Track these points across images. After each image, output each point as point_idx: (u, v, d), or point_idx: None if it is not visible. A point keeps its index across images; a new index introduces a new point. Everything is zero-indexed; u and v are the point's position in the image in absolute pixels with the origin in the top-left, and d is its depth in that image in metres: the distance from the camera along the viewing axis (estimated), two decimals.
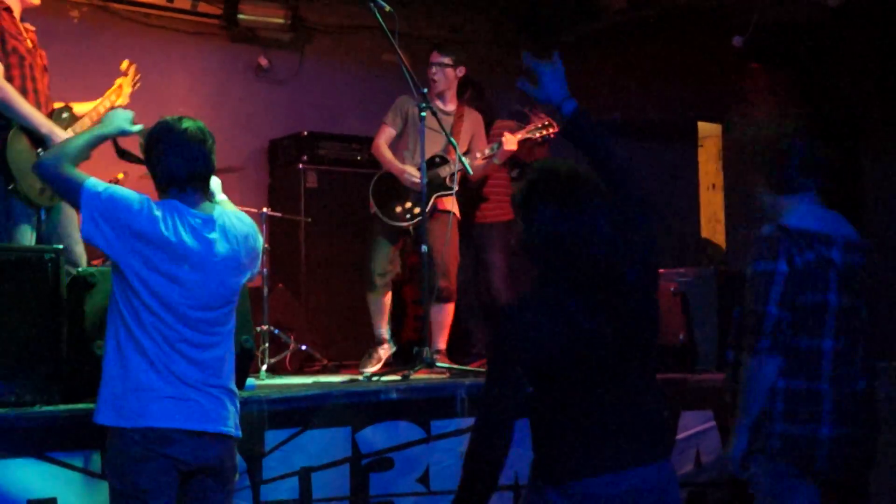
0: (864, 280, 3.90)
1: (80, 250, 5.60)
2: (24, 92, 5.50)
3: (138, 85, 6.01)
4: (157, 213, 3.92)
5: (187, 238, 3.94)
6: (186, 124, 4.06)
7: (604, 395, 3.45)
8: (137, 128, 4.39)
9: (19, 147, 5.42)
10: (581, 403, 3.46)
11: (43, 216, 5.56)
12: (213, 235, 4.02)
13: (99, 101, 5.85)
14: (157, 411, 3.91)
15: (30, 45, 5.67)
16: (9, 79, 5.44)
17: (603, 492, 3.41)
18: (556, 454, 3.47)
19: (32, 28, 5.81)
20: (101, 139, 4.30)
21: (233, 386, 4.17)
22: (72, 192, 3.96)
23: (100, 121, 4.38)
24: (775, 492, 3.87)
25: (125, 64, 6.09)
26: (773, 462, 3.86)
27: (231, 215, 4.17)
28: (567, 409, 3.47)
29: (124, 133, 4.40)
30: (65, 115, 5.71)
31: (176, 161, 4.00)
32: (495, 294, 7.69)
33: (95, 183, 3.94)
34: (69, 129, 5.59)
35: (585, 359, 3.42)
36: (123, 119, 4.38)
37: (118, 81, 5.99)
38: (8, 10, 5.61)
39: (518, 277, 7.86)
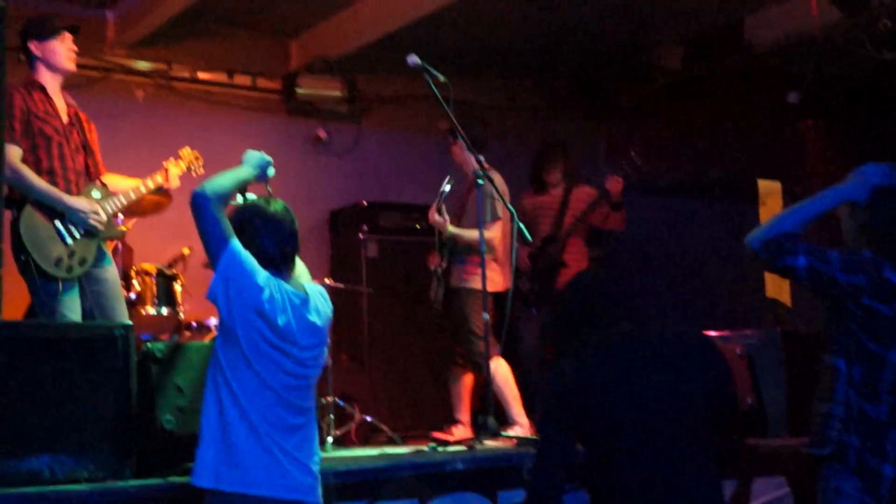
0: None
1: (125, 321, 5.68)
2: (50, 171, 5.59)
3: (201, 171, 6.09)
4: (276, 293, 4.01)
5: (292, 317, 4.04)
6: (275, 206, 4.19)
7: (650, 473, 3.45)
8: (272, 172, 4.50)
9: (33, 221, 5.50)
10: (628, 481, 3.47)
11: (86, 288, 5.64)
12: (311, 317, 4.13)
13: (140, 181, 5.95)
14: (258, 479, 3.96)
15: (65, 120, 5.74)
16: (36, 160, 5.56)
17: None
18: None
19: (73, 103, 5.89)
20: (245, 183, 4.38)
21: (318, 458, 4.23)
22: (215, 242, 4.02)
23: (244, 161, 4.43)
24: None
25: (186, 150, 6.19)
26: (845, 475, 3.85)
27: (318, 294, 4.25)
28: (617, 487, 3.48)
29: (264, 178, 4.49)
30: (95, 191, 5.77)
31: (270, 242, 4.11)
32: None
33: (238, 246, 4.02)
34: (99, 203, 5.68)
35: (625, 427, 3.45)
36: (266, 164, 4.48)
37: (166, 164, 6.10)
38: (42, 88, 5.70)
39: None
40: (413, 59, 6.28)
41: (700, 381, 3.67)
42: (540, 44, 9.36)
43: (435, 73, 6.29)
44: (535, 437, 6.57)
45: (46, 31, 5.77)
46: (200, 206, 4.06)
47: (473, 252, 6.90)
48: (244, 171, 4.38)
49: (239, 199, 4.47)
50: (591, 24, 9.01)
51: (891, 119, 8.86)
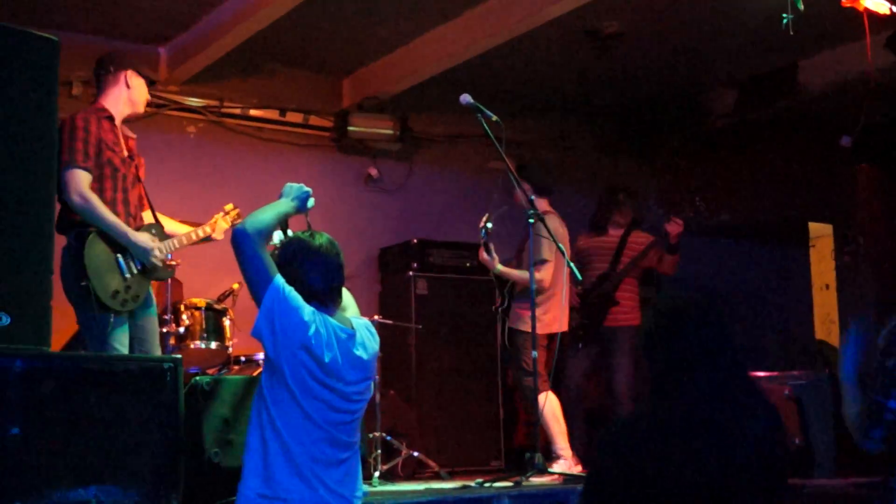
0: None
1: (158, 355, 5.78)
2: (113, 202, 5.60)
3: (237, 222, 6.13)
4: (321, 329, 4.01)
5: (338, 353, 4.04)
6: (320, 240, 4.19)
7: None
8: (312, 203, 4.48)
9: (97, 250, 5.50)
10: None
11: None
12: (357, 351, 4.13)
13: (192, 229, 6.01)
14: None
15: (126, 154, 5.77)
16: (101, 189, 5.56)
17: None
18: None
19: (133, 136, 5.92)
20: (286, 216, 4.37)
21: (360, 493, 4.23)
22: (258, 279, 4.03)
23: (283, 194, 4.40)
24: None
25: (230, 206, 6.25)
26: None
27: (364, 329, 4.25)
28: None
29: (304, 209, 4.46)
30: (154, 231, 5.80)
31: (316, 276, 4.12)
32: (618, 397, 7.64)
33: (282, 281, 4.02)
34: (157, 242, 5.71)
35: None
36: (306, 196, 4.45)
37: (216, 217, 6.16)
38: (110, 118, 5.72)
39: (642, 383, 7.82)
40: (466, 98, 6.29)
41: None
42: (592, 84, 9.38)
43: (487, 112, 6.30)
44: (580, 472, 6.55)
45: (144, 70, 5.91)
46: (241, 243, 4.07)
47: (528, 294, 6.86)
48: (284, 205, 4.37)
49: (278, 235, 4.48)
50: (645, 66, 9.03)
51: None
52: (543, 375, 6.89)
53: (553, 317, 7.11)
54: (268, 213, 4.24)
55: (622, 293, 7.79)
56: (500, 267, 7.14)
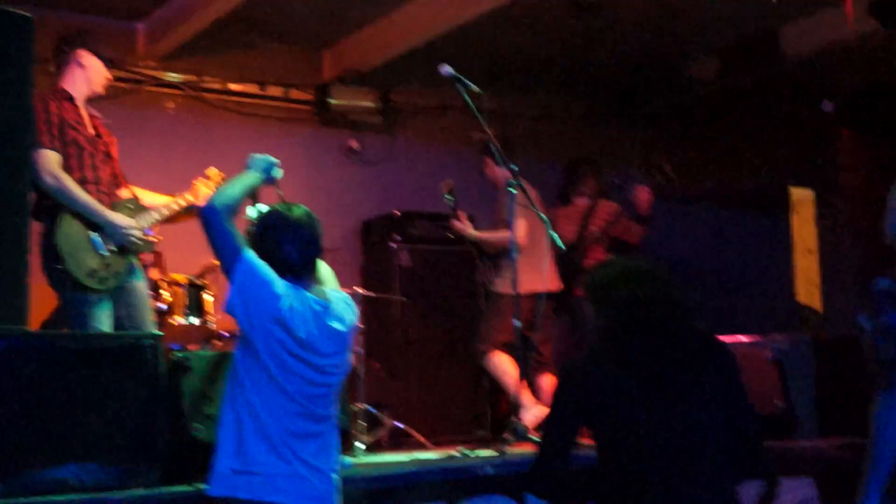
0: None
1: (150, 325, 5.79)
2: (82, 181, 5.58)
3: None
4: (295, 302, 3.99)
5: (312, 325, 4.02)
6: (296, 212, 4.16)
7: (662, 476, 3.43)
8: (279, 173, 4.47)
9: (70, 230, 5.49)
10: (643, 484, 3.45)
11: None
12: (332, 323, 4.11)
13: (171, 199, 5.96)
14: (274, 486, 3.94)
15: (92, 132, 5.75)
16: (67, 168, 5.53)
17: None
18: None
19: (98, 115, 5.91)
20: (253, 188, 4.36)
21: (337, 465, 4.22)
22: (228, 254, 4.01)
23: (249, 165, 4.39)
24: None
25: (214, 171, 6.22)
26: None
27: (341, 301, 4.23)
28: (632, 489, 3.47)
29: (272, 180, 4.46)
30: (131, 205, 5.79)
31: (291, 249, 4.09)
32: None
33: (253, 256, 4.01)
34: (132, 218, 5.70)
35: (635, 436, 3.44)
36: (272, 166, 4.44)
37: (197, 184, 6.12)
38: (70, 99, 5.70)
39: None
40: (446, 69, 6.28)
41: (719, 389, 3.63)
42: (576, 54, 9.36)
43: (468, 83, 6.29)
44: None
45: (99, 49, 5.85)
46: (210, 220, 4.06)
47: (501, 256, 7.13)
48: (250, 177, 4.36)
49: (255, 210, 4.46)
50: (628, 35, 9.01)
51: None
52: (503, 338, 7.17)
53: (537, 272, 7.12)
54: (234, 188, 4.22)
55: (590, 262, 7.76)
56: (474, 232, 7.38)
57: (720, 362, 3.60)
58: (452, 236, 7.82)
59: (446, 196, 7.51)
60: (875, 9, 7.93)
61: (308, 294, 4.09)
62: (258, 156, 4.46)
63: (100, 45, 5.87)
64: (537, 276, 7.13)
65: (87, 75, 5.80)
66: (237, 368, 4.04)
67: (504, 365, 7.27)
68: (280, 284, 3.99)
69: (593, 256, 7.83)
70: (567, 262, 7.57)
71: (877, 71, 8.32)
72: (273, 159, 4.47)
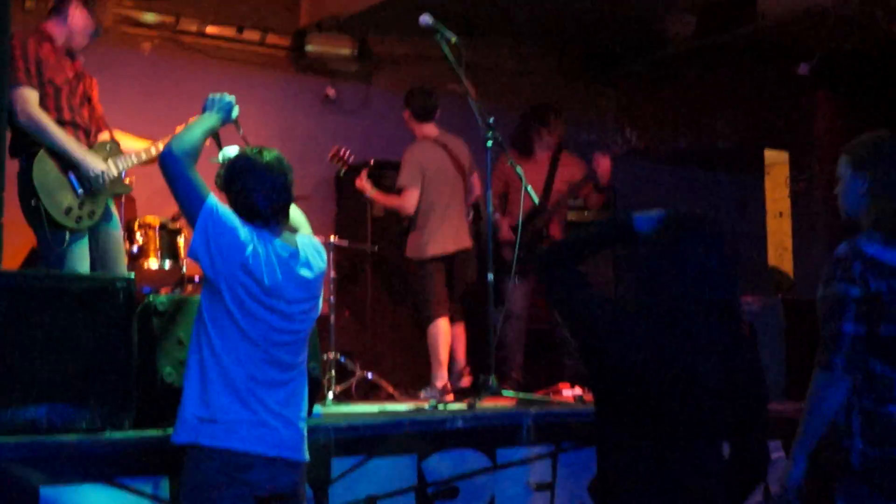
0: None
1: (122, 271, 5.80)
2: (60, 122, 5.58)
3: None
4: (259, 248, 3.97)
5: (278, 272, 4.00)
6: (267, 157, 4.11)
7: (658, 445, 3.44)
8: (236, 112, 4.43)
9: (46, 168, 5.51)
10: (637, 447, 3.45)
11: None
12: (300, 270, 4.09)
13: (148, 144, 5.95)
14: (238, 435, 3.94)
15: (70, 74, 5.74)
16: (44, 108, 5.53)
17: None
18: (613, 487, 3.49)
19: (80, 59, 5.89)
20: (212, 130, 4.33)
21: (305, 414, 4.21)
22: (191, 201, 3.98)
23: (206, 107, 4.35)
24: None
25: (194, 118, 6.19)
26: (853, 489, 3.77)
27: (310, 247, 4.21)
28: (624, 452, 3.47)
29: (230, 121, 4.43)
30: (108, 146, 5.81)
31: (259, 195, 4.04)
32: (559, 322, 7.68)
33: (216, 202, 3.98)
34: (109, 160, 5.71)
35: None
36: (229, 106, 4.40)
37: (177, 129, 6.08)
38: (50, 39, 5.68)
39: None
40: (425, 18, 6.27)
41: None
42: (552, 9, 9.31)
43: (447, 32, 6.27)
44: (535, 395, 6.62)
45: (93, 12, 5.83)
46: (170, 166, 4.02)
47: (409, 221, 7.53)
48: (208, 119, 4.32)
49: (223, 154, 4.43)
50: None
51: None
52: (441, 299, 7.33)
53: (442, 236, 7.39)
54: (193, 131, 4.19)
55: (552, 225, 7.77)
56: (373, 192, 7.64)
57: (738, 340, 3.53)
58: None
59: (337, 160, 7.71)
60: None
61: (276, 240, 4.06)
62: (215, 95, 4.41)
63: (96, 8, 5.84)
64: (443, 238, 7.41)
65: (73, 26, 5.79)
66: (203, 314, 4.03)
67: (440, 334, 7.31)
68: (244, 231, 3.96)
69: (557, 220, 7.80)
70: (532, 226, 7.53)
71: (853, 34, 8.36)
72: (230, 98, 4.42)
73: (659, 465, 3.45)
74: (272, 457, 3.98)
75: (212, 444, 3.92)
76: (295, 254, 4.10)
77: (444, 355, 7.28)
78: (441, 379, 7.22)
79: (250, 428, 3.96)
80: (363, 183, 7.68)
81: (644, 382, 3.39)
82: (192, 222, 3.98)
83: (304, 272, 4.11)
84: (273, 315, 4.01)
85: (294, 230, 4.28)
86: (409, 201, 7.38)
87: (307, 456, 4.17)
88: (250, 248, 3.95)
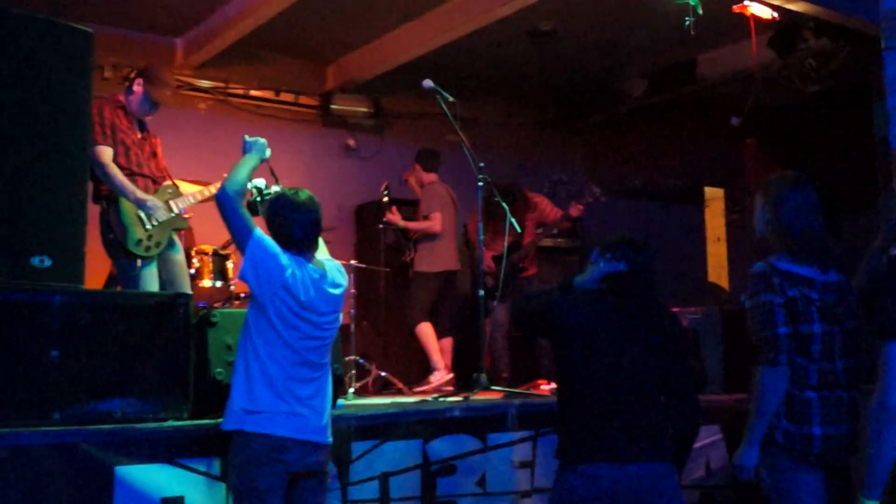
0: (839, 313, 3.81)
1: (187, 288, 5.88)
2: (131, 173, 5.68)
3: None
4: (297, 271, 3.98)
5: (312, 290, 4.01)
6: (303, 197, 4.13)
7: (608, 398, 3.47)
8: (269, 153, 4.43)
9: (121, 209, 5.61)
10: (589, 402, 3.49)
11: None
12: (328, 288, 4.09)
13: (203, 187, 6.03)
14: (275, 423, 3.95)
15: (138, 136, 5.83)
16: (116, 162, 5.64)
17: (605, 475, 3.43)
18: (572, 441, 3.52)
19: (145, 122, 5.98)
20: (253, 169, 4.33)
21: (329, 404, 4.21)
22: (241, 233, 3.99)
23: (245, 150, 4.34)
24: (783, 484, 3.79)
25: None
26: (776, 459, 3.78)
27: (335, 269, 4.22)
28: (580, 406, 3.50)
29: (265, 159, 4.42)
30: (170, 190, 5.88)
31: (297, 228, 4.05)
32: None
33: (262, 234, 4.00)
34: (170, 202, 5.79)
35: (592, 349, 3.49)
36: (264, 146, 4.41)
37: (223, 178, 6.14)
38: (124, 108, 5.79)
39: None
40: (427, 82, 6.28)
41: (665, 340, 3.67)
42: (531, 72, 9.36)
43: (445, 94, 6.28)
44: (518, 390, 6.59)
45: (157, 84, 5.86)
46: (225, 205, 4.05)
47: (420, 241, 7.74)
48: (251, 160, 4.32)
49: (257, 182, 4.44)
50: (573, 58, 9.03)
51: (812, 138, 8.87)
52: (424, 308, 7.52)
53: (446, 256, 7.65)
54: (241, 173, 4.20)
55: (527, 259, 7.89)
56: (402, 222, 7.74)
57: (671, 328, 3.68)
58: (385, 223, 7.91)
59: (383, 193, 7.79)
60: (773, 42, 8.01)
61: (308, 264, 4.07)
62: (253, 139, 4.40)
63: (156, 82, 5.88)
64: (446, 257, 7.63)
65: (140, 100, 5.87)
66: (249, 325, 4.04)
67: (427, 333, 7.51)
68: (284, 257, 3.98)
69: (529, 258, 7.89)
70: (510, 261, 7.53)
71: (774, 92, 8.37)
72: (264, 140, 4.43)
73: (606, 421, 3.49)
74: (303, 440, 3.99)
75: (255, 429, 3.93)
76: (324, 275, 4.11)
77: (435, 344, 7.48)
78: (439, 363, 7.38)
79: (285, 417, 3.97)
80: (394, 216, 7.76)
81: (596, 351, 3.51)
82: (242, 250, 4.00)
83: (331, 290, 4.12)
84: (307, 325, 4.02)
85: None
86: (438, 222, 7.60)
87: (331, 439, 4.17)
88: (290, 271, 3.96)
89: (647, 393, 3.58)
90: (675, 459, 3.72)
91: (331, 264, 4.24)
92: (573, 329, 3.69)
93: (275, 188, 4.57)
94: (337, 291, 4.16)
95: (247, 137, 4.41)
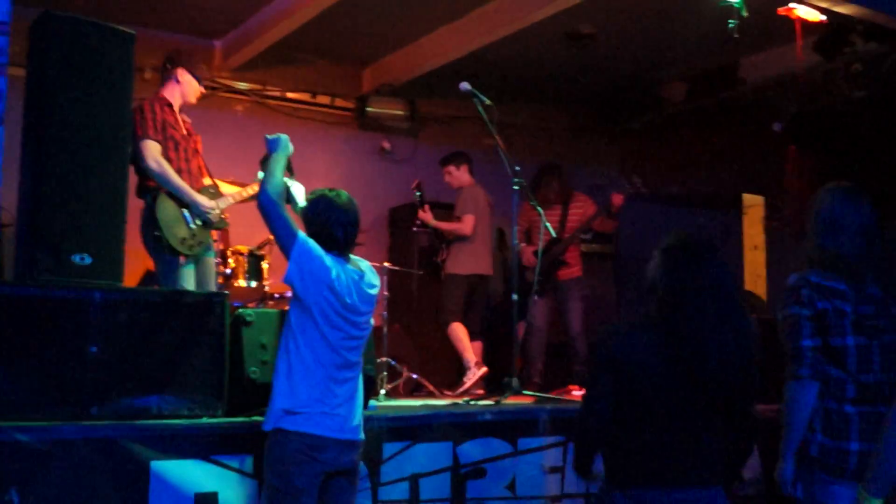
0: (878, 325, 3.79)
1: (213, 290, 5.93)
2: (178, 171, 5.76)
3: None
4: (341, 273, 4.06)
5: (353, 291, 4.09)
6: (344, 198, 4.20)
7: (664, 422, 3.46)
8: (292, 148, 4.44)
9: (166, 206, 5.68)
10: (647, 426, 3.48)
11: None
12: (367, 289, 4.18)
13: (241, 188, 6.15)
14: (314, 422, 4.03)
15: (185, 132, 5.92)
16: (165, 158, 5.72)
17: (652, 499, 3.44)
18: (622, 463, 3.52)
19: (188, 119, 6.07)
20: (284, 164, 4.35)
21: (361, 403, 4.30)
22: (286, 236, 4.03)
23: (271, 149, 4.37)
24: (819, 497, 3.79)
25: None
26: (811, 472, 3.79)
27: (370, 270, 4.30)
28: (636, 430, 3.49)
29: (290, 153, 4.44)
30: (212, 190, 5.98)
31: (339, 229, 4.13)
32: (572, 334, 7.75)
33: (305, 237, 4.06)
34: (212, 201, 5.87)
35: (652, 386, 3.45)
36: (287, 142, 4.43)
37: (259, 178, 6.26)
38: (170, 105, 5.88)
39: (592, 320, 7.96)
40: (465, 85, 6.33)
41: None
42: (568, 76, 9.38)
43: (482, 97, 6.33)
44: (550, 395, 6.66)
45: (196, 68, 6.02)
46: (268, 209, 4.08)
47: (454, 242, 7.80)
48: (279, 160, 4.31)
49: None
50: (613, 61, 9.03)
51: (857, 146, 8.85)
52: (455, 310, 7.56)
53: (478, 259, 7.70)
54: (275, 175, 4.21)
55: (569, 253, 7.89)
56: (434, 221, 7.79)
57: (741, 341, 3.47)
58: (418, 224, 8.00)
59: (416, 193, 7.86)
60: (819, 46, 7.98)
61: (347, 265, 4.16)
62: (275, 136, 4.42)
63: (196, 66, 6.03)
64: (478, 260, 7.67)
65: (183, 90, 5.98)
66: (292, 327, 4.09)
67: (458, 333, 7.57)
68: (328, 259, 4.05)
69: (572, 250, 7.92)
70: (550, 253, 7.67)
71: (819, 97, 8.34)
72: (286, 136, 4.44)
73: (662, 445, 3.49)
74: (340, 439, 4.07)
75: (294, 428, 4.01)
76: (362, 276, 4.19)
77: (467, 343, 7.54)
78: (471, 361, 7.44)
79: (324, 417, 4.04)
80: (427, 215, 7.85)
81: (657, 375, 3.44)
82: (286, 253, 4.05)
83: (369, 290, 4.21)
84: (348, 325, 4.10)
85: None
86: (469, 224, 7.67)
87: (363, 436, 4.26)
88: (335, 273, 4.03)
89: (705, 414, 3.54)
90: (729, 473, 3.69)
91: (366, 265, 4.33)
92: (626, 362, 3.61)
93: (291, 182, 4.66)
94: (373, 291, 4.25)
95: (268, 136, 4.44)
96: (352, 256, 4.30)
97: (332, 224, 4.14)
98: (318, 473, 4.04)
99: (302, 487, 3.99)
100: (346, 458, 4.13)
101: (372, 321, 4.34)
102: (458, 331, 7.60)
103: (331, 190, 4.27)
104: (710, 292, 3.42)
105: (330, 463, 4.06)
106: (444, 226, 7.86)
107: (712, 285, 3.43)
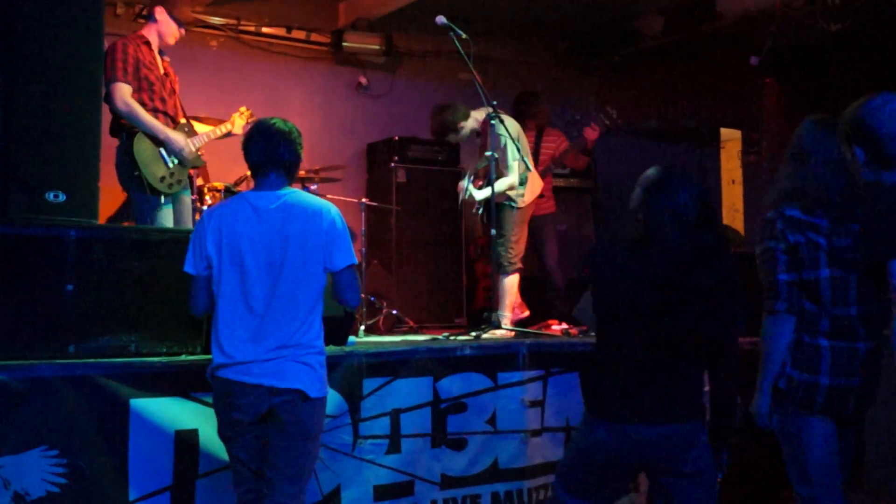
0: (855, 258, 3.74)
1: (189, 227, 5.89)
2: (154, 110, 5.75)
3: (251, 120, 6.15)
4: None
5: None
6: (273, 121, 4.02)
7: (639, 350, 3.48)
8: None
9: (143, 145, 5.67)
10: (625, 350, 3.51)
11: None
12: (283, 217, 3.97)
13: (214, 127, 6.18)
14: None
15: (161, 72, 5.90)
16: (140, 101, 5.69)
17: (636, 434, 3.47)
18: (605, 396, 3.55)
19: (167, 59, 6.05)
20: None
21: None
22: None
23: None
24: (790, 428, 3.82)
25: (244, 108, 6.39)
26: (783, 405, 3.81)
27: (300, 195, 4.05)
28: (614, 356, 3.52)
29: None
30: (186, 129, 5.96)
31: (256, 151, 3.99)
32: (548, 269, 7.72)
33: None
34: (187, 138, 5.87)
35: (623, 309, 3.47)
36: None
37: (234, 116, 6.31)
38: (147, 43, 5.85)
39: (570, 255, 7.96)
40: (441, 18, 6.25)
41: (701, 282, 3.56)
42: (543, 10, 9.29)
43: (458, 31, 6.27)
44: (530, 329, 6.66)
45: (175, 8, 5.96)
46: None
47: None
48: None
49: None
50: None
51: (834, 80, 8.83)
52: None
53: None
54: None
55: (544, 187, 7.75)
56: (479, 194, 6.83)
57: (720, 273, 3.55)
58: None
59: (465, 182, 7.02)
60: None
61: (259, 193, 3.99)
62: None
63: (175, 6, 5.96)
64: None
65: (160, 29, 5.97)
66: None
67: (515, 284, 6.85)
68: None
69: (546, 184, 7.84)
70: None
71: (796, 31, 8.30)
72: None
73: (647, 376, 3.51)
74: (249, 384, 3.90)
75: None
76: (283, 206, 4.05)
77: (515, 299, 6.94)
78: (507, 319, 6.75)
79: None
80: (472, 191, 6.88)
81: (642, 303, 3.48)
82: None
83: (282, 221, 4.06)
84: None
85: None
86: (516, 175, 6.78)
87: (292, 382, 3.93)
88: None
89: (687, 349, 3.56)
90: (718, 412, 3.70)
91: (296, 192, 4.09)
92: (610, 281, 3.62)
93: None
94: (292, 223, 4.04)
95: None
96: (290, 189, 4.05)
97: (252, 150, 4.04)
98: (235, 422, 3.90)
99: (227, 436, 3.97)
100: (263, 405, 3.86)
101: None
102: (515, 282, 6.91)
103: (268, 118, 4.09)
104: (681, 220, 3.52)
105: (247, 410, 3.87)
106: (496, 188, 6.72)
107: (685, 213, 3.53)
